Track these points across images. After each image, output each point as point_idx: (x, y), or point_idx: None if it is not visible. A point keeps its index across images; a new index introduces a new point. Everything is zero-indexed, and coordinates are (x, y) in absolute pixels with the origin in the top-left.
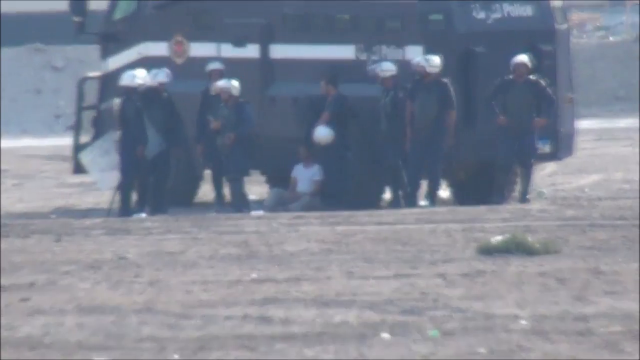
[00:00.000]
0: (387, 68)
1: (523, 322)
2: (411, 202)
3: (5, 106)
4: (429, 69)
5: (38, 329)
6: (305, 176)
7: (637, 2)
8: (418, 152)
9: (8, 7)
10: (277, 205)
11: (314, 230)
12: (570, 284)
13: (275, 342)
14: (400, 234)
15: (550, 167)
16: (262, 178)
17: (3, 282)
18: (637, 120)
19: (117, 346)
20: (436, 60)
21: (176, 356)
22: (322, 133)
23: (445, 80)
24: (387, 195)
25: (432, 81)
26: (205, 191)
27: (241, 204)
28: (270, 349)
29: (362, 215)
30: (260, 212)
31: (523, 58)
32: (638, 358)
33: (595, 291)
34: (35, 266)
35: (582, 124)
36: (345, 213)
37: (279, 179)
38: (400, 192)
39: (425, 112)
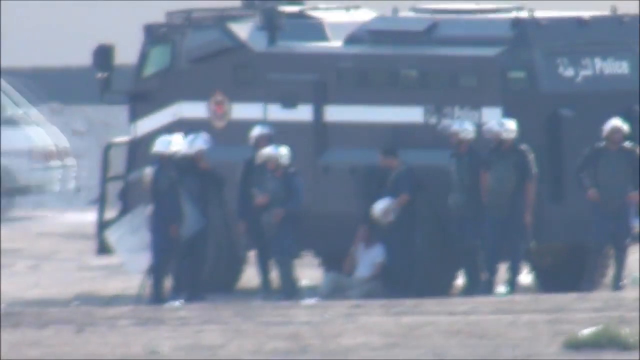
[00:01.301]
0: (468, 128)
1: None
2: (489, 288)
3: None
4: (504, 135)
5: None
6: (366, 258)
7: None
8: (497, 230)
9: (17, 62)
10: (333, 291)
11: (375, 321)
12: None
13: None
14: (475, 326)
15: None
16: (316, 261)
17: None
18: None
19: None
20: (511, 124)
21: None
22: (379, 210)
23: (523, 147)
24: (460, 280)
25: (508, 149)
26: (250, 276)
27: (291, 290)
28: None
29: (431, 304)
30: (313, 300)
31: (617, 122)
32: None
33: None
34: None
35: None
36: (412, 301)
37: (335, 261)
38: (476, 278)
39: (502, 185)
